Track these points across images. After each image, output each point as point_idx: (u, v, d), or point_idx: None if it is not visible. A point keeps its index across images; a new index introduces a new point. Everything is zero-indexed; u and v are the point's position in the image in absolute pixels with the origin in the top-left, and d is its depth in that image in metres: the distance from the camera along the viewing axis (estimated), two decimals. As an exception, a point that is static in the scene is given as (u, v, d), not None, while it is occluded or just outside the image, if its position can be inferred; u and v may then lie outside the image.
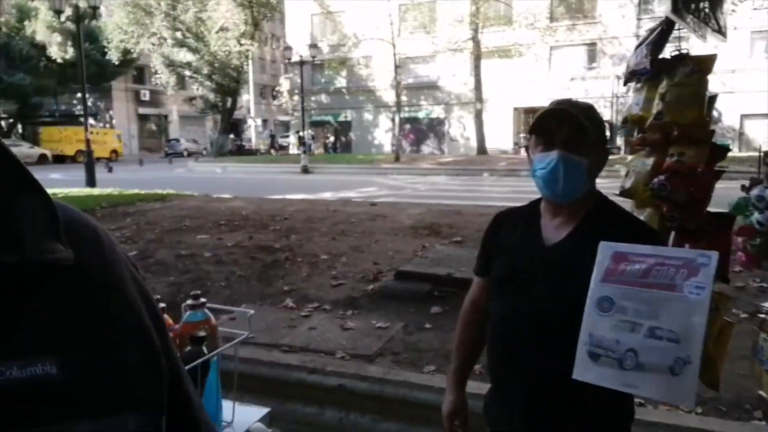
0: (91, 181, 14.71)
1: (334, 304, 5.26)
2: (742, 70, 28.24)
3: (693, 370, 1.15)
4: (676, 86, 1.89)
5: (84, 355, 0.51)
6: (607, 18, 30.60)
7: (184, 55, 34.28)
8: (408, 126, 37.37)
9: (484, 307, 1.73)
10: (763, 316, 1.36)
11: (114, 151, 35.57)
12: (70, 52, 31.40)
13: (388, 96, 35.07)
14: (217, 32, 32.65)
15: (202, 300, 1.58)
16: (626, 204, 2.34)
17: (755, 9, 25.76)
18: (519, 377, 1.54)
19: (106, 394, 0.51)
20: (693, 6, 1.78)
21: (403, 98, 34.12)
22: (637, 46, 2.08)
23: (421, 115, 37.64)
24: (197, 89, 37.71)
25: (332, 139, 40.79)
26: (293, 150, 37.98)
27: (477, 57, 30.35)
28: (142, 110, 44.69)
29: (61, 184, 15.74)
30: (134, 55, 35.77)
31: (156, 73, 36.03)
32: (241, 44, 33.21)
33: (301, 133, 26.77)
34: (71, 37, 28.49)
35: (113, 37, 32.90)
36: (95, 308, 0.53)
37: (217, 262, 6.52)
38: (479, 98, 30.23)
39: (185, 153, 39.24)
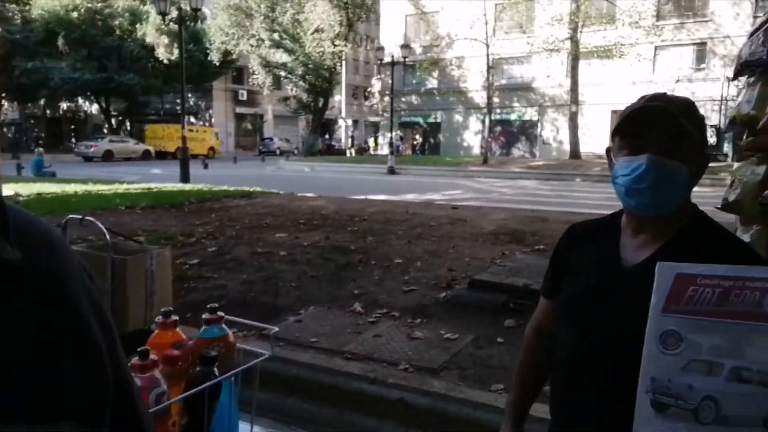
0: (185, 177, 15.49)
1: (404, 311, 5.07)
2: None
3: None
4: (801, 80, 1.53)
5: (18, 359, 0.50)
6: (719, 16, 28.30)
7: (280, 56, 35.55)
8: (499, 128, 36.60)
9: (549, 333, 1.52)
10: None
11: (211, 149, 37.55)
12: (176, 54, 33.52)
13: (480, 97, 34.46)
14: (312, 33, 33.60)
15: (220, 313, 1.43)
16: (729, 219, 1.97)
17: None
18: (582, 420, 1.32)
19: (39, 401, 0.50)
20: None
21: (495, 100, 33.38)
22: (752, 33, 1.72)
23: (512, 117, 36.73)
24: (291, 89, 39.00)
25: (420, 140, 40.73)
26: (380, 150, 38.36)
27: (575, 57, 29.09)
28: (239, 109, 46.90)
29: (159, 179, 16.75)
30: (234, 56, 37.60)
31: (253, 73, 37.66)
32: (335, 45, 33.96)
33: (384, 136, 26.89)
34: (177, 39, 30.44)
35: (215, 38, 34.77)
36: (36, 313, 0.52)
37: (291, 261, 6.53)
38: (575, 100, 28.94)
39: (278, 152, 40.72)
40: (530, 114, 35.99)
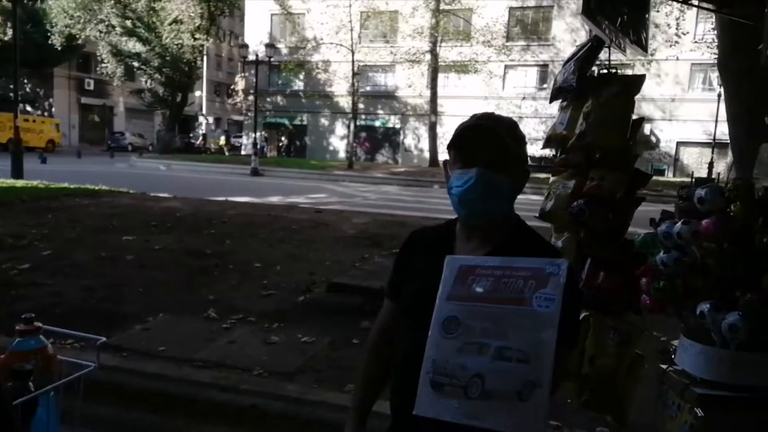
0: (17, 172, 13.82)
1: (261, 315, 4.99)
2: (681, 100, 29.54)
3: (542, 394, 1.04)
4: (601, 106, 1.78)
5: None
6: (559, 41, 31.48)
7: (133, 45, 33.03)
8: (364, 134, 37.28)
9: (393, 333, 1.59)
10: (664, 367, 1.23)
11: (51, 141, 33.86)
12: (10, 34, 29.86)
13: (345, 102, 34.89)
14: (170, 24, 31.70)
15: (37, 324, 1.32)
16: (548, 227, 2.22)
17: (695, 42, 26.99)
18: (417, 423, 1.40)
19: None
20: (608, 8, 1.66)
21: (360, 106, 34.00)
22: (566, 62, 1.96)
23: (377, 123, 37.65)
24: (146, 82, 36.42)
25: (286, 142, 40.23)
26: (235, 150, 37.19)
27: (434, 70, 30.60)
28: (85, 100, 42.80)
29: (-15, 173, 14.77)
30: (79, 42, 34.26)
31: (102, 61, 34.59)
32: (195, 39, 32.37)
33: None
34: (11, 17, 27.12)
35: (57, 20, 31.44)
36: None
37: (139, 266, 6.13)
38: (434, 110, 30.45)
39: (129, 147, 37.80)
40: (393, 121, 37.16)
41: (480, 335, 1.11)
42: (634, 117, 1.83)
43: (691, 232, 1.10)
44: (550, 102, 2.07)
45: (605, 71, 1.84)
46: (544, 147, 2.07)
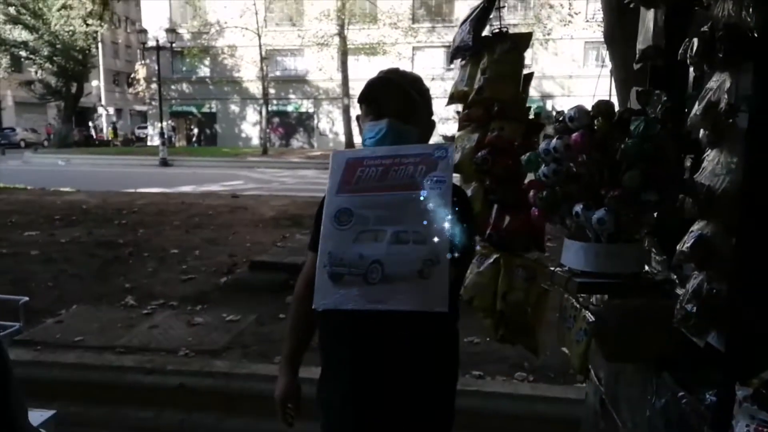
0: None
1: (182, 299, 4.93)
2: (578, 77, 31.30)
3: (442, 270, 1.08)
4: (495, 63, 1.95)
5: None
6: (464, 22, 32.28)
7: (19, 33, 30.45)
8: (277, 119, 36.62)
9: None
10: (552, 268, 1.42)
11: (-69, 141, 30.78)
12: None
13: (255, 88, 34.06)
14: (58, 10, 29.46)
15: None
16: (457, 177, 2.39)
17: (587, 21, 28.64)
18: (344, 353, 1.50)
19: None
20: None
21: (271, 91, 33.31)
22: (461, 24, 2.12)
23: (290, 108, 37.07)
24: (36, 72, 33.77)
25: (195, 130, 38.76)
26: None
27: (344, 53, 30.49)
28: (-33, 95, 39.13)
29: None
30: (-45, 31, 31.20)
31: (-17, 52, 31.72)
32: (87, 25, 30.30)
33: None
34: None
35: (-73, 8, 28.46)
36: None
37: (45, 260, 5.83)
38: (346, 93, 30.39)
39: (22, 144, 34.98)
40: (306, 106, 36.75)
41: (374, 223, 1.14)
42: (525, 72, 2.02)
43: (564, 146, 1.28)
44: (450, 62, 2.23)
45: (497, 30, 2.02)
46: (448, 104, 2.22)
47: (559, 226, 1.41)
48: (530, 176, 1.54)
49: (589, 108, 1.33)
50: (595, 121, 1.26)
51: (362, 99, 1.51)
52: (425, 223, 1.11)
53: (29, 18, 30.19)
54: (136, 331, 4.22)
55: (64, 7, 29.41)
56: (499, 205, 2.08)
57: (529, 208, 1.66)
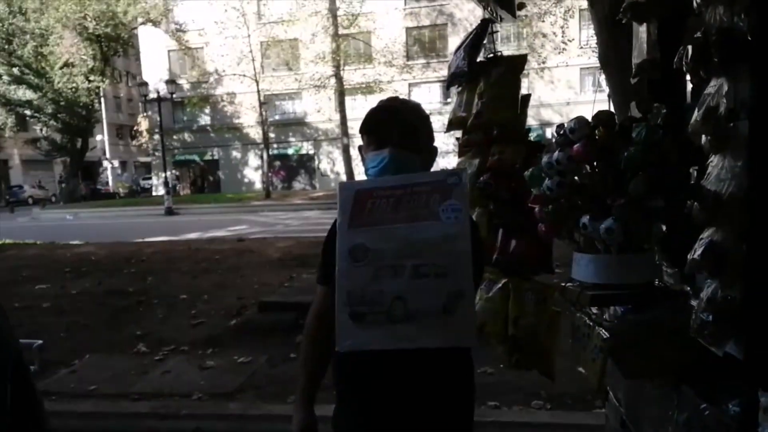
0: None
1: (193, 344, 4.90)
2: (575, 103, 31.65)
3: (467, 302, 1.04)
4: (492, 86, 1.98)
5: None
6: (458, 56, 32.85)
7: (23, 93, 31.15)
8: (278, 163, 36.99)
9: (329, 320, 1.66)
10: (563, 284, 1.42)
11: (-60, 202, 31.12)
12: None
13: (255, 133, 34.54)
14: (61, 68, 30.17)
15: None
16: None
17: (581, 47, 29.14)
18: (362, 389, 1.47)
19: None
20: None
21: (271, 135, 33.75)
22: (456, 50, 2.17)
23: (290, 151, 37.49)
24: (41, 130, 34.41)
25: (199, 178, 39.13)
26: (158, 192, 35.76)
27: (341, 93, 30.99)
28: (-26, 156, 39.76)
29: None
30: (-38, 94, 31.95)
31: (-10, 113, 32.38)
32: (90, 81, 30.98)
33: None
34: None
35: (-65, 74, 29.23)
36: None
37: (57, 312, 5.83)
38: (345, 133, 30.75)
39: (30, 200, 35.34)
40: (307, 148, 37.15)
41: (392, 257, 1.08)
42: (523, 93, 2.06)
43: (567, 157, 1.29)
44: (447, 89, 2.27)
45: (492, 55, 2.07)
46: (447, 130, 2.25)
47: (567, 242, 1.41)
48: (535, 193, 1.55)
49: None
50: (596, 131, 1.28)
51: (363, 129, 1.53)
52: (445, 255, 1.06)
53: (33, 77, 30.93)
54: (149, 377, 4.19)
55: (66, 65, 30.14)
56: (504, 229, 2.09)
57: (535, 230, 1.67)
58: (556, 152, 1.32)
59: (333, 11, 29.97)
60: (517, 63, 2.05)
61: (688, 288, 1.40)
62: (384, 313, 1.07)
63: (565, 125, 1.33)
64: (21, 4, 30.91)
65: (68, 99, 31.35)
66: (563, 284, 1.39)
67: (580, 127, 1.28)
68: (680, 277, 1.45)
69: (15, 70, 30.61)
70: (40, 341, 1.41)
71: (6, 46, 30.32)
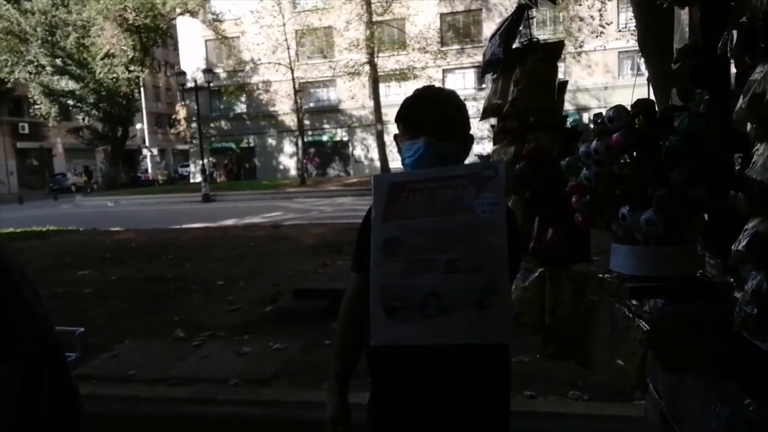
0: (-43, 223, 13.24)
1: (230, 330, 4.99)
2: (613, 87, 30.82)
3: (503, 298, 1.02)
4: (528, 73, 1.94)
5: None
6: (492, 42, 32.35)
7: (66, 83, 32.13)
8: (312, 150, 37.27)
9: (363, 308, 1.66)
10: (601, 275, 1.38)
11: (-11, 190, 32.46)
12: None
13: (290, 120, 34.86)
14: (102, 59, 30.94)
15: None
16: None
17: (620, 31, 28.29)
18: (397, 381, 1.47)
19: None
20: None
21: (306, 122, 34.03)
22: (491, 37, 2.13)
23: (324, 138, 37.71)
24: (83, 119, 35.43)
25: (235, 165, 39.76)
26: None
27: (375, 80, 30.93)
28: (21, 144, 41.20)
29: None
30: (9, 86, 33.10)
31: (35, 103, 33.47)
32: (129, 71, 31.70)
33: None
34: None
35: (-18, 65, 30.38)
36: None
37: (98, 297, 6.02)
38: (379, 119, 30.74)
39: (73, 188, 36.53)
40: (341, 135, 37.32)
41: (426, 251, 1.07)
42: (559, 80, 2.01)
43: (605, 147, 1.25)
44: (482, 76, 2.25)
45: (528, 41, 2.02)
46: (482, 118, 2.22)
47: (605, 232, 1.37)
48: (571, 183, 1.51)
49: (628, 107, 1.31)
50: (636, 120, 1.24)
51: (399, 118, 1.52)
52: (479, 250, 1.04)
53: (75, 68, 31.84)
54: (186, 362, 4.29)
55: (107, 55, 30.88)
56: (540, 218, 2.05)
57: (572, 219, 1.64)
58: (594, 141, 1.28)
59: (367, -2, 29.88)
60: (554, 49, 1.99)
61: (732, 279, 1.35)
62: (418, 308, 1.06)
63: (604, 114, 1.29)
64: (64, -3, 31.81)
65: (109, 89, 32.18)
66: (601, 275, 1.35)
67: (619, 116, 1.23)
68: (723, 267, 1.40)
69: (58, 62, 31.56)
70: (82, 328, 1.46)
71: (49, 38, 31.24)
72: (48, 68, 31.58)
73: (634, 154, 1.23)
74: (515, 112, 1.99)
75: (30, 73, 31.64)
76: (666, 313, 1.28)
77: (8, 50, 30.61)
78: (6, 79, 31.62)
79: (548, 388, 3.40)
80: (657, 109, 1.25)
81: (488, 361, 1.36)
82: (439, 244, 1.07)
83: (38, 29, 30.78)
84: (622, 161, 1.25)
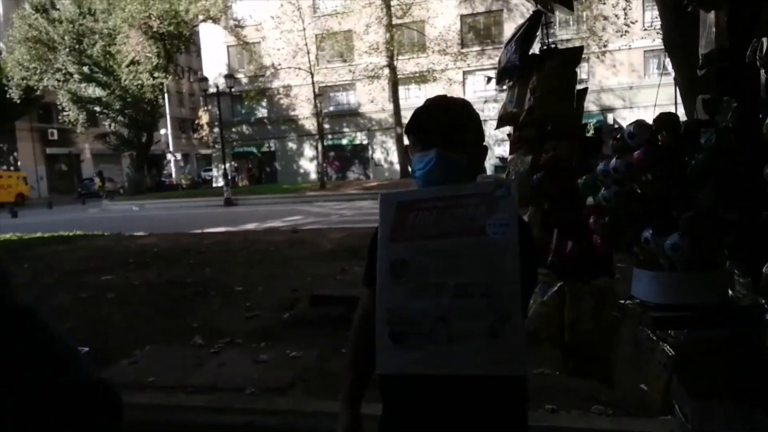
0: (-13, 227, 13.58)
1: (248, 336, 4.99)
2: (639, 87, 30.29)
3: (516, 326, 0.95)
4: (545, 80, 1.87)
5: None
6: (514, 42, 32.09)
7: (93, 91, 32.84)
8: (332, 153, 37.40)
9: (375, 321, 1.62)
10: (622, 301, 1.31)
11: (20, 195, 33.24)
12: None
13: (311, 124, 35.05)
14: (127, 66, 31.54)
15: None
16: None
17: (645, 29, 27.81)
18: (407, 403, 1.43)
19: None
20: None
21: (326, 126, 34.17)
22: (507, 43, 2.06)
23: (344, 141, 37.82)
24: (110, 125, 36.15)
25: (257, 169, 40.11)
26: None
27: (394, 83, 30.96)
28: (50, 150, 42.20)
29: (-47, 233, 14.43)
30: (38, 93, 33.92)
31: (63, 110, 34.26)
32: (154, 78, 32.26)
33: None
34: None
35: (13, 74, 31.16)
36: None
37: (120, 302, 6.08)
38: (399, 123, 30.75)
39: (100, 192, 37.27)
40: (360, 138, 37.38)
41: (434, 274, 1.01)
42: (579, 87, 1.93)
43: (625, 165, 1.17)
44: (498, 84, 2.17)
45: (545, 47, 1.95)
46: (498, 127, 2.15)
47: (625, 255, 1.30)
48: (590, 200, 1.44)
49: (650, 122, 1.23)
50: (659, 136, 1.16)
51: (409, 129, 1.47)
52: (491, 274, 0.98)
53: (101, 75, 32.52)
54: (204, 370, 4.29)
55: (132, 63, 31.46)
56: (559, 230, 1.98)
57: (590, 230, 1.56)
58: (614, 159, 1.20)
59: (387, 2, 29.92)
60: (573, 55, 1.92)
61: (763, 301, 1.26)
62: (425, 335, 1.01)
63: (624, 129, 1.22)
64: (90, 6, 32.51)
65: (134, 95, 32.77)
66: (623, 302, 1.28)
67: (640, 132, 1.16)
68: (753, 287, 1.31)
69: (85, 69, 32.27)
70: (86, 348, 1.42)
71: (77, 46, 31.97)
72: (76, 76, 32.30)
73: (657, 172, 1.16)
74: (532, 120, 1.92)
75: (58, 80, 32.41)
76: (692, 337, 1.20)
77: (37, 58, 31.40)
78: (35, 87, 32.39)
79: (570, 402, 3.30)
80: (681, 121, 1.17)
81: (502, 387, 1.30)
82: (449, 266, 1.01)
83: (66, 38, 31.51)
84: (643, 180, 1.18)
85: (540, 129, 1.94)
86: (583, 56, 2.07)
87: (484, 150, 1.51)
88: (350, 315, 5.17)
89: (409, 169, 1.50)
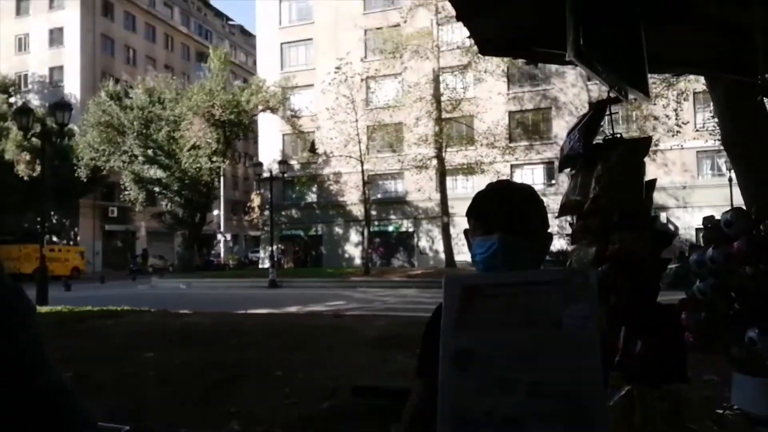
0: (42, 299, 13.99)
1: (286, 425, 4.79)
2: (693, 187, 29.77)
3: None
4: (611, 169, 1.81)
5: None
6: (561, 139, 32.25)
7: (154, 172, 34.75)
8: (378, 239, 37.67)
9: (428, 417, 1.50)
10: (720, 411, 1.16)
11: (76, 269, 34.57)
12: (38, 170, 31.57)
13: (358, 210, 35.66)
14: (188, 150, 33.41)
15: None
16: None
17: (697, 130, 27.71)
18: None
19: None
20: (599, 46, 1.69)
21: (373, 213, 34.71)
22: (570, 131, 2.04)
23: (390, 228, 38.15)
24: (166, 205, 37.80)
25: (302, 253, 40.66)
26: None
27: (442, 173, 31.46)
28: (109, 227, 44.26)
29: (10, 302, 14.91)
30: (104, 173, 36.13)
31: (125, 189, 36.20)
32: (212, 162, 33.94)
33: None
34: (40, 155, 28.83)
35: (83, 155, 33.43)
36: None
37: (161, 381, 6.01)
38: (446, 212, 30.91)
39: (151, 269, 38.39)
40: (406, 225, 37.67)
41: (503, 369, 0.91)
42: (647, 179, 1.87)
43: (724, 255, 1.08)
44: (560, 171, 2.12)
45: (610, 137, 1.91)
46: (559, 215, 2.08)
47: (722, 357, 1.17)
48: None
49: (718, 217, 1.14)
50: (761, 226, 1.07)
51: (471, 212, 1.42)
52: (570, 372, 0.87)
53: (164, 158, 34.49)
54: (238, 459, 4.11)
55: (193, 147, 33.34)
56: (627, 327, 1.84)
57: (665, 330, 1.43)
58: (710, 249, 1.12)
59: (437, 97, 31.08)
60: (640, 145, 1.87)
61: None
62: None
63: (720, 217, 1.13)
64: (160, 95, 35.15)
65: (192, 177, 34.42)
66: (720, 411, 1.13)
67: (738, 220, 1.08)
68: None
69: (149, 152, 34.36)
70: (128, 427, 1.36)
71: (144, 131, 34.26)
72: (140, 158, 34.37)
73: (760, 264, 1.06)
74: (597, 209, 1.85)
75: (123, 162, 34.52)
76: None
77: (107, 141, 33.72)
78: (102, 167, 34.52)
79: None
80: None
81: None
82: (519, 360, 0.91)
83: (135, 123, 33.89)
84: (744, 273, 1.08)
85: (605, 219, 1.86)
86: (647, 152, 2.01)
87: (549, 237, 1.44)
88: (395, 408, 4.94)
89: (469, 253, 1.44)
